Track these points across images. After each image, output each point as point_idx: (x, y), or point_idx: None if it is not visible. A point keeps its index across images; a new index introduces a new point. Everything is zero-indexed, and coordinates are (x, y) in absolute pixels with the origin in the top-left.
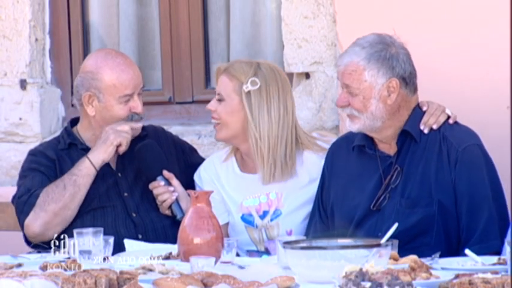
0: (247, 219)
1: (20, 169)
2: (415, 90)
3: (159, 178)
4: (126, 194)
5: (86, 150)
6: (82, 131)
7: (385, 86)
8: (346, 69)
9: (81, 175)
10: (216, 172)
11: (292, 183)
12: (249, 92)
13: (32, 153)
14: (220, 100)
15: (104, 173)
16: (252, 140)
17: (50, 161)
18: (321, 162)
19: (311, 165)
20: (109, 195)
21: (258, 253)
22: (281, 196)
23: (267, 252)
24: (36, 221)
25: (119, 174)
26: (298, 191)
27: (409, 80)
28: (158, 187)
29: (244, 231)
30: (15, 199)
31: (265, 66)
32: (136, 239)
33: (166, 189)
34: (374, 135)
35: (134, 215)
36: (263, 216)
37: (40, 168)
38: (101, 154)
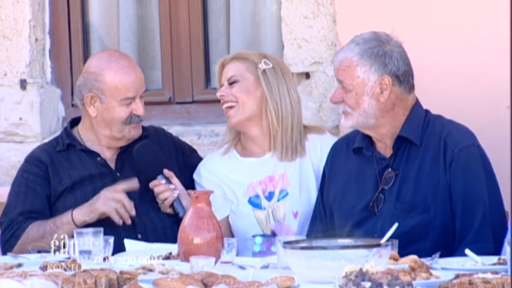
0: (254, 202)
1: (16, 174)
2: (410, 89)
3: (159, 177)
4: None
5: (84, 151)
6: (83, 131)
7: (377, 82)
8: (340, 65)
9: (62, 228)
10: (216, 166)
11: (296, 165)
12: (264, 70)
13: (27, 160)
14: (233, 83)
15: (102, 173)
16: (272, 117)
17: (41, 169)
18: (322, 143)
19: (312, 150)
20: None
21: (265, 237)
22: (286, 177)
23: (273, 235)
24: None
25: (118, 174)
26: (302, 171)
27: (403, 78)
28: (159, 185)
29: (251, 215)
30: (2, 228)
31: (272, 56)
32: (136, 239)
33: (167, 187)
34: (369, 133)
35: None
36: (269, 197)
37: (28, 183)
38: (84, 216)
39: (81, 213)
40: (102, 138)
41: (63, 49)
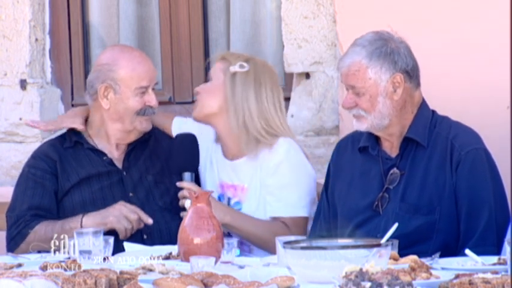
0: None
1: (22, 170)
2: (418, 84)
3: (186, 174)
4: (131, 194)
5: (91, 149)
6: (90, 129)
7: (389, 81)
8: (349, 70)
9: (70, 234)
10: (213, 149)
11: (260, 182)
12: (235, 73)
13: (34, 156)
14: (208, 81)
15: (109, 171)
16: (236, 117)
17: (49, 165)
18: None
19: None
20: (114, 195)
21: None
22: (247, 191)
23: None
24: (18, 251)
25: (124, 173)
26: (260, 192)
27: (412, 74)
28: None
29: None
30: (9, 223)
31: (260, 60)
32: (141, 239)
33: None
34: (380, 134)
35: None
36: (227, 202)
37: (36, 179)
38: (95, 225)
39: (92, 222)
40: (112, 133)
41: (63, 49)
